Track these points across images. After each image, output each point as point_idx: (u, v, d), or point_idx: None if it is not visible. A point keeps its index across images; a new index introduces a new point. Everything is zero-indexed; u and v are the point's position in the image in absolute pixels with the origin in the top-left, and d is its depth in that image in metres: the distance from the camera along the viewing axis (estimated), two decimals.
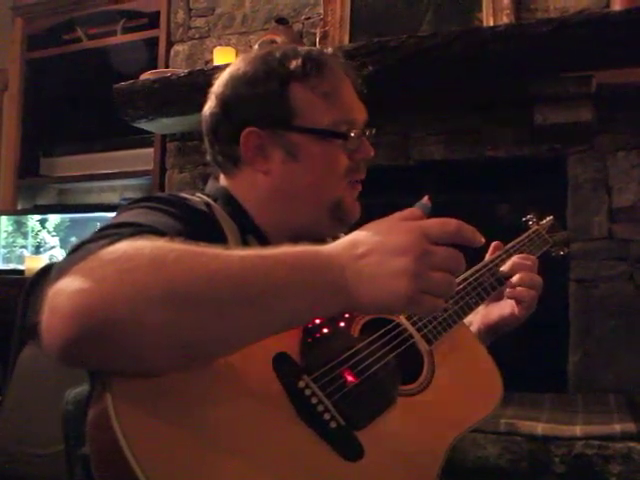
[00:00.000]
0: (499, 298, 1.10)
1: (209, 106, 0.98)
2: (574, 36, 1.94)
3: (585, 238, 2.15)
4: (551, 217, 1.33)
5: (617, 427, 1.70)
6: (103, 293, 0.58)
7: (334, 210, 0.94)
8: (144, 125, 2.64)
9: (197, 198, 0.90)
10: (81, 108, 3.31)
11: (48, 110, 3.45)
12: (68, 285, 0.60)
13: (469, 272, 1.05)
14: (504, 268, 1.08)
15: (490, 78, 2.09)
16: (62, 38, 3.47)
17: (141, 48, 3.14)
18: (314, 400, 0.73)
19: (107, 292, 0.58)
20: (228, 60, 2.44)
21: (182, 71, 2.46)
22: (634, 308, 2.09)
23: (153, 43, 3.07)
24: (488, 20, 2.31)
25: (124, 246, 0.63)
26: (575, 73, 2.00)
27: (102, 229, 0.73)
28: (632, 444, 1.64)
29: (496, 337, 1.10)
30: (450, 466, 0.83)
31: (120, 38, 3.29)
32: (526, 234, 1.23)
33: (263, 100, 0.92)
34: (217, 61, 2.47)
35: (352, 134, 0.93)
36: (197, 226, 0.80)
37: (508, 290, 1.07)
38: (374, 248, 0.66)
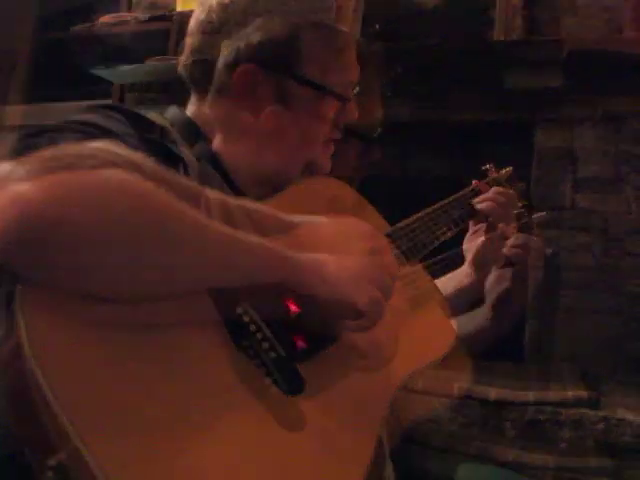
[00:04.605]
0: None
1: (200, 18, 0.88)
2: None
3: (548, 207, 2.13)
4: (510, 168, 1.30)
5: (569, 394, 1.72)
6: (72, 211, 0.53)
7: (307, 166, 0.90)
8: (101, 73, 2.53)
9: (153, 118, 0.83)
10: (32, 53, 3.16)
11: None
12: (36, 193, 0.53)
13: (436, 205, 1.02)
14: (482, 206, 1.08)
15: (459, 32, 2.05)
16: None
17: None
18: (252, 327, 0.67)
19: (74, 210, 0.53)
20: (191, 7, 2.34)
21: (143, 16, 2.36)
22: (592, 280, 2.09)
23: None
24: None
25: (108, 176, 0.57)
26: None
27: (69, 123, 0.68)
28: (584, 410, 1.65)
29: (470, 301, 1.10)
30: (401, 428, 0.79)
31: None
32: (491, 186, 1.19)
33: (273, 39, 0.84)
34: (180, 7, 2.37)
35: (348, 98, 0.90)
36: (154, 139, 0.75)
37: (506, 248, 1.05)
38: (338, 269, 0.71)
